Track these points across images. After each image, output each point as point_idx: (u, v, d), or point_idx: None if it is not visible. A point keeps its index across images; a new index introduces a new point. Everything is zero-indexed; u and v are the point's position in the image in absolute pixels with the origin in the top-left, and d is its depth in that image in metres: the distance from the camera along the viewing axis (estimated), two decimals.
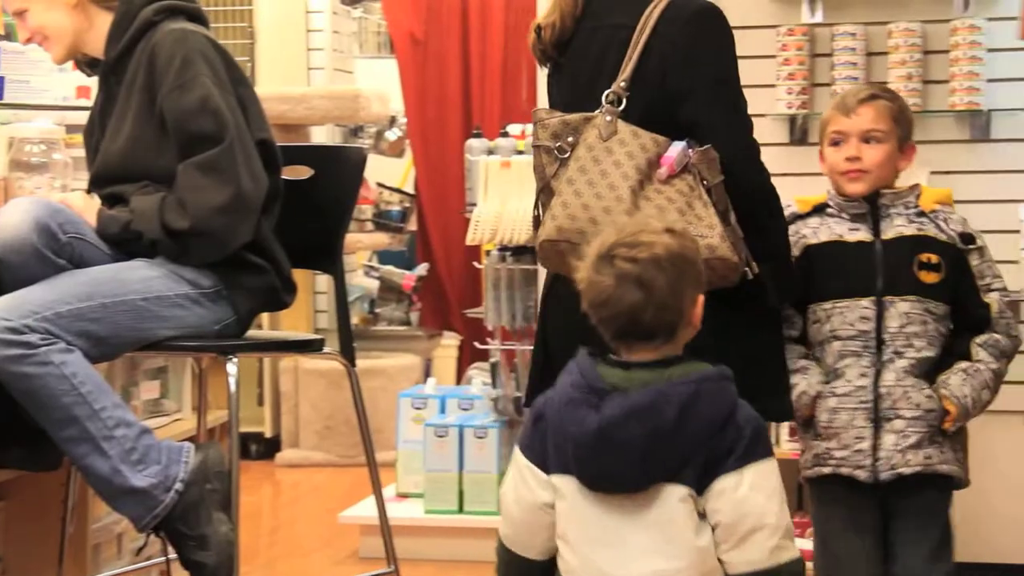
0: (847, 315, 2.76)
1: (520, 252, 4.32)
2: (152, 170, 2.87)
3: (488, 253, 4.42)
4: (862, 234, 2.79)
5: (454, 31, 6.63)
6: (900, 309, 2.74)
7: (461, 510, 4.29)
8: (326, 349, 3.16)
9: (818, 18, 3.93)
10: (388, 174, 6.75)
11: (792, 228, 2.74)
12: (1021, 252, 3.72)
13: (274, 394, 5.90)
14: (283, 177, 3.07)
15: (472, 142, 4.63)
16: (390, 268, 6.80)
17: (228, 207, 2.80)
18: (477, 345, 4.52)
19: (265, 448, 5.88)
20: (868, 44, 3.89)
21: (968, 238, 2.80)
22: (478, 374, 4.84)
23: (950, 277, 2.77)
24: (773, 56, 3.93)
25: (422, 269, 6.70)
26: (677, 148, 2.41)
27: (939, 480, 2.77)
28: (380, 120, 6.30)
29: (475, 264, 4.77)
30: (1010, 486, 3.79)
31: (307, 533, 4.74)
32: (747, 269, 2.40)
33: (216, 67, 2.87)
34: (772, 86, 3.93)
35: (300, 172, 3.25)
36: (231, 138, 2.81)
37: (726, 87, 2.48)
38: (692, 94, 2.45)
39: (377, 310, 6.76)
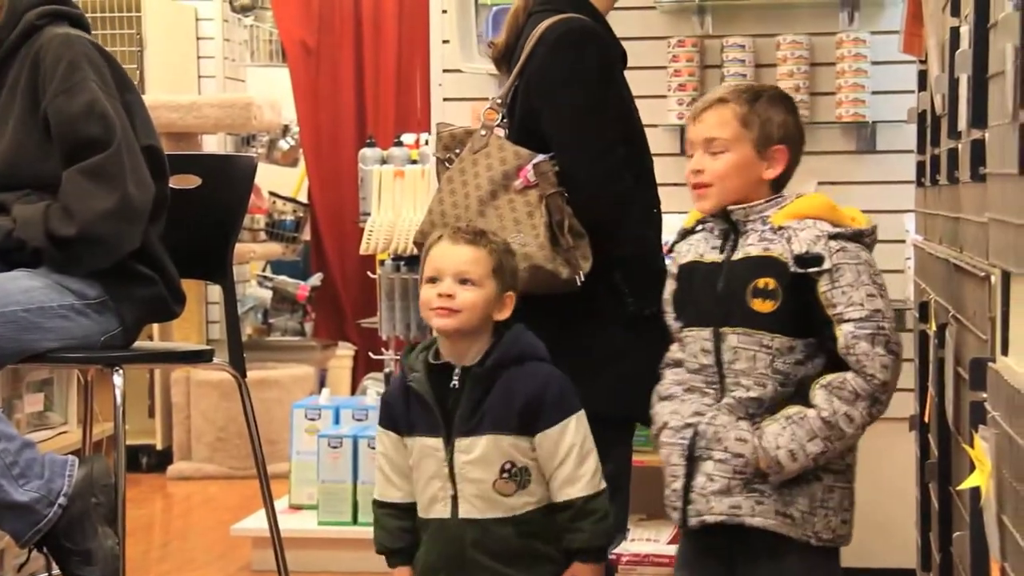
0: (691, 346, 2.46)
1: (414, 261, 4.32)
2: (35, 177, 2.82)
3: (382, 263, 4.41)
4: (716, 254, 2.46)
5: (347, 40, 6.61)
6: (730, 343, 2.39)
7: (355, 521, 4.26)
8: (216, 360, 3.12)
9: (708, 30, 3.98)
10: (281, 183, 6.70)
11: (678, 245, 2.61)
12: (906, 262, 3.78)
13: (165, 406, 5.82)
14: (171, 186, 3.03)
15: (365, 151, 4.62)
16: (284, 278, 6.74)
17: (115, 213, 2.76)
18: (372, 355, 4.50)
19: (156, 460, 5.79)
20: (757, 56, 3.95)
21: (811, 260, 2.34)
22: (373, 384, 4.83)
23: (790, 305, 2.35)
24: (664, 67, 3.97)
25: (316, 279, 6.66)
26: (534, 161, 2.62)
27: (798, 545, 2.38)
28: (273, 129, 6.25)
29: (369, 274, 4.75)
30: (895, 492, 3.86)
31: (199, 546, 4.67)
32: (576, 277, 2.58)
33: (102, 72, 2.83)
34: (663, 97, 3.96)
35: (189, 181, 3.21)
36: (118, 143, 2.77)
37: (576, 105, 2.66)
38: (544, 111, 2.67)
39: (271, 320, 6.70)
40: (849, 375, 2.33)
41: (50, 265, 2.80)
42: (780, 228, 2.38)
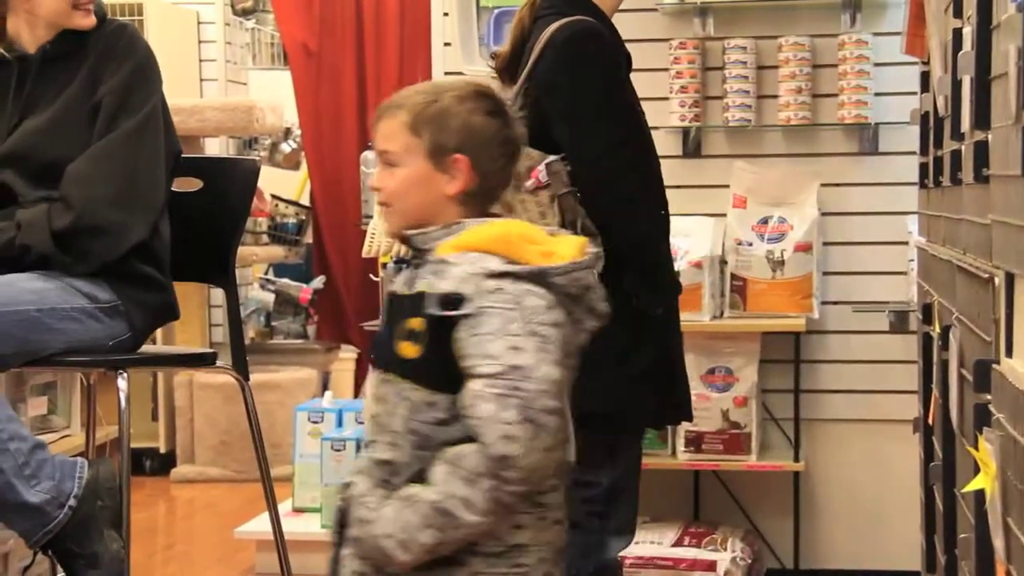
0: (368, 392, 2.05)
1: None
2: (59, 159, 2.83)
3: (384, 265, 4.40)
4: (404, 286, 2.01)
5: (349, 42, 6.61)
6: (379, 391, 1.98)
7: None
8: (219, 363, 3.12)
9: (709, 32, 3.98)
10: (283, 186, 6.70)
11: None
12: (910, 263, 3.79)
13: (169, 409, 5.82)
14: (173, 189, 3.04)
15: (368, 154, 4.61)
16: (286, 281, 6.74)
17: (115, 199, 2.78)
18: None
19: (160, 464, 5.79)
20: (759, 58, 3.95)
21: (452, 301, 1.90)
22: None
23: (433, 353, 1.91)
24: (666, 69, 3.98)
25: (318, 282, 6.66)
26: (546, 161, 2.66)
27: None
28: (275, 132, 6.25)
29: (372, 276, 4.75)
30: (899, 494, 3.86)
31: (202, 549, 4.67)
32: None
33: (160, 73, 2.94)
34: (665, 99, 3.97)
35: (191, 184, 3.21)
36: (134, 130, 2.81)
37: (584, 106, 2.70)
38: (553, 112, 2.71)
39: (273, 323, 6.70)
40: (471, 448, 1.87)
41: (59, 268, 2.80)
42: (441, 261, 1.95)
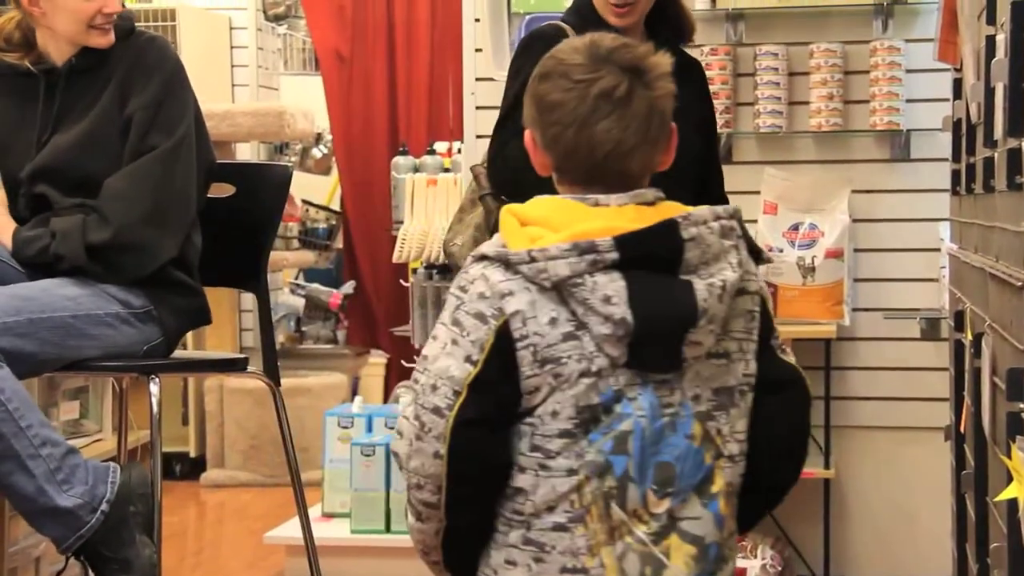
0: None
1: (447, 270, 4.32)
2: (93, 172, 2.85)
3: (415, 271, 4.42)
4: None
5: (380, 48, 6.62)
6: None
7: (388, 530, 4.26)
8: (250, 369, 3.13)
9: (740, 38, 3.97)
10: (314, 191, 6.72)
11: None
12: (941, 271, 3.77)
13: (199, 413, 5.84)
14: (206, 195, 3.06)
15: (398, 159, 4.63)
16: (316, 286, 6.76)
17: (150, 217, 2.79)
18: (404, 363, 4.51)
19: (190, 468, 5.82)
20: (790, 64, 3.94)
21: None
22: (405, 392, 4.81)
23: None
24: None
25: (348, 287, 6.67)
26: (473, 165, 2.98)
27: None
28: (306, 137, 6.27)
29: (402, 282, 4.76)
30: (930, 502, 3.84)
31: (232, 554, 4.69)
32: None
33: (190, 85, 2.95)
34: None
35: (223, 190, 3.23)
36: (172, 148, 2.82)
37: (503, 104, 2.87)
38: None
39: (303, 328, 6.72)
40: None
41: (91, 276, 2.82)
42: None
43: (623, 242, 1.69)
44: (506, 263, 1.72)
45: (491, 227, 2.79)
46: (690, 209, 1.75)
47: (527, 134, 1.81)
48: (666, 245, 1.70)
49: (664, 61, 1.79)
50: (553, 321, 1.70)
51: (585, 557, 1.71)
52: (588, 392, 1.70)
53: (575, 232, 1.70)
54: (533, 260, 1.70)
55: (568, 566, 1.71)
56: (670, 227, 1.71)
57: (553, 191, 1.82)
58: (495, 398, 1.71)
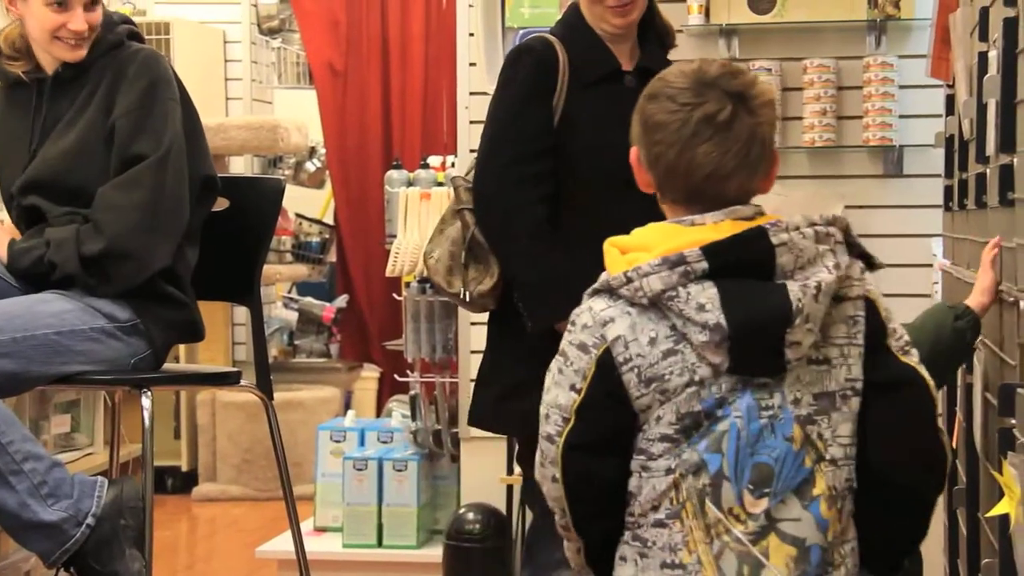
0: None
1: None
2: (85, 184, 2.84)
3: (408, 285, 4.41)
4: None
5: (374, 62, 6.63)
6: None
7: (380, 544, 4.26)
8: (243, 382, 3.13)
9: (734, 53, 3.98)
10: (308, 205, 6.72)
11: None
12: (934, 286, 3.77)
13: (191, 427, 5.83)
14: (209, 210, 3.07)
15: (392, 173, 4.62)
16: (309, 300, 6.76)
17: (144, 225, 2.79)
18: (397, 377, 4.50)
19: (181, 482, 5.80)
20: (784, 79, 3.94)
21: None
22: (398, 407, 4.82)
23: None
24: None
25: (342, 301, 6.67)
26: (451, 176, 3.01)
27: None
28: (299, 151, 6.27)
29: (395, 296, 4.75)
30: None
31: (224, 568, 4.67)
32: (463, 292, 2.79)
33: (177, 94, 2.90)
34: None
35: (217, 204, 3.22)
36: (160, 158, 2.81)
37: (488, 117, 2.87)
38: None
39: (296, 342, 6.71)
40: None
41: (82, 288, 2.81)
42: None
43: (711, 251, 1.74)
44: (608, 291, 1.80)
45: (467, 242, 2.77)
46: (781, 217, 1.79)
47: (633, 151, 1.86)
48: (755, 251, 1.75)
49: (768, 89, 1.85)
50: (653, 340, 1.76)
51: (683, 553, 1.76)
52: (690, 400, 1.76)
53: (667, 248, 1.77)
54: (629, 281, 1.77)
55: (667, 561, 1.77)
56: (759, 234, 1.76)
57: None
58: (604, 421, 1.79)
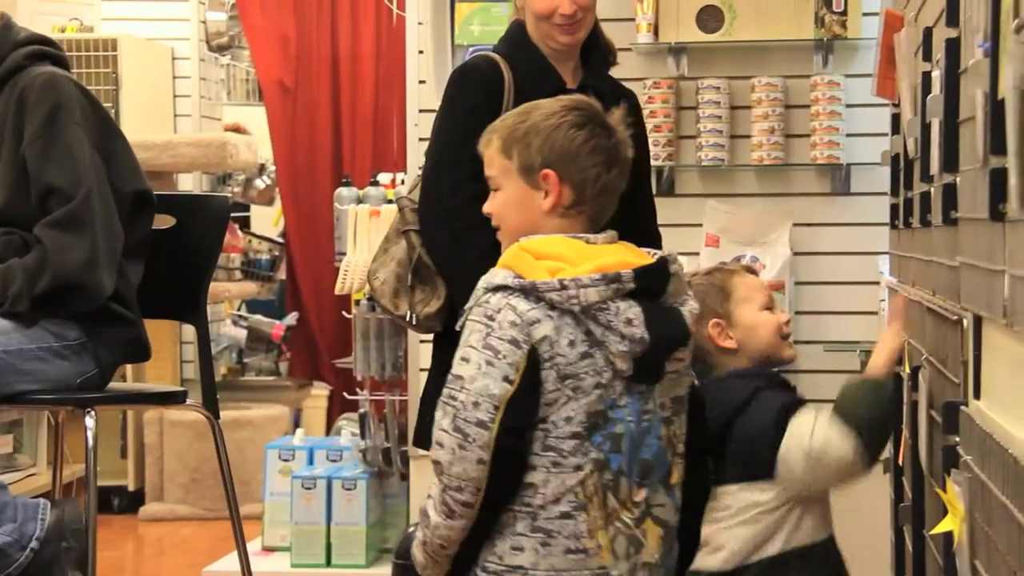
0: None
1: None
2: (19, 216, 2.82)
3: (357, 302, 4.39)
4: None
5: (324, 80, 6.62)
6: None
7: (329, 564, 4.23)
8: (189, 401, 3.10)
9: (683, 72, 4.00)
10: (257, 222, 6.68)
11: None
12: (880, 304, 3.80)
13: (138, 446, 5.77)
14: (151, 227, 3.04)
15: (341, 191, 4.60)
16: (259, 317, 6.72)
17: (92, 261, 2.76)
18: (347, 395, 4.48)
19: (128, 502, 5.74)
20: (732, 98, 3.97)
21: (461, 315, 2.11)
22: (347, 424, 4.79)
23: None
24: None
25: (292, 318, 6.63)
26: (398, 197, 2.91)
27: None
28: (249, 168, 6.24)
29: (345, 314, 4.73)
30: (869, 534, 3.86)
31: None
32: (410, 315, 2.78)
33: (86, 115, 2.84)
34: None
35: (163, 221, 3.20)
36: (86, 191, 2.78)
37: (431, 144, 2.85)
38: None
39: (246, 360, 6.67)
40: None
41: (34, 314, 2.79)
42: None
43: (640, 274, 2.01)
44: (529, 292, 1.98)
45: (413, 263, 2.75)
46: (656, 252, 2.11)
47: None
48: (663, 279, 2.05)
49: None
50: (572, 343, 1.99)
51: (586, 539, 2.01)
52: (596, 401, 2.00)
53: (599, 265, 2.00)
54: (564, 288, 1.98)
55: (572, 547, 2.00)
56: (664, 264, 2.06)
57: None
58: (528, 410, 1.99)
